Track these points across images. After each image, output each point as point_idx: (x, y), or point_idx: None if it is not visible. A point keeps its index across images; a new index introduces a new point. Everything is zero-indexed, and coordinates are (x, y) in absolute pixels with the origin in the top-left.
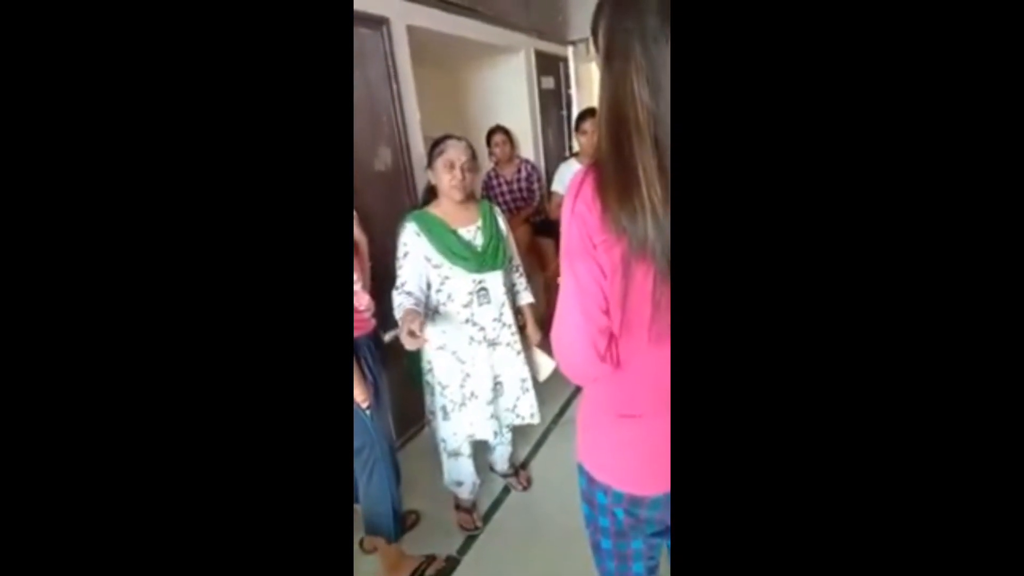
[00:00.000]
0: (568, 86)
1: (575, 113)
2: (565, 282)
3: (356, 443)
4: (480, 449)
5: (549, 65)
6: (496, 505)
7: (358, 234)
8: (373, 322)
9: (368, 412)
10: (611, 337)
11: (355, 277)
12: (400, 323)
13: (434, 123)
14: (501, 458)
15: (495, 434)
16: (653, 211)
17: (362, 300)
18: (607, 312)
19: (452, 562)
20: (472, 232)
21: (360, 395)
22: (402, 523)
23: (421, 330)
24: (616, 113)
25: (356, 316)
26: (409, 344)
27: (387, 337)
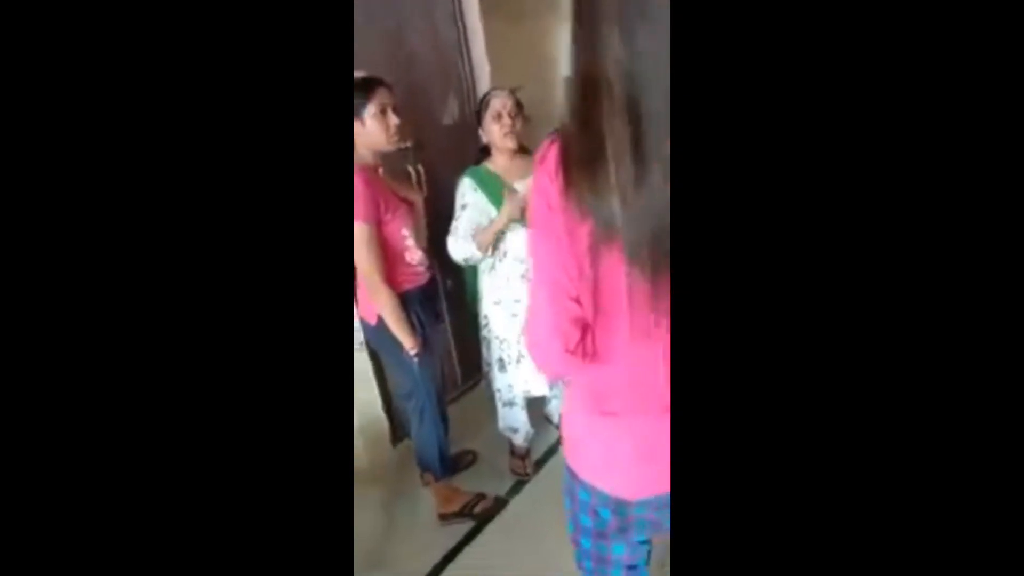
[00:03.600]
0: None
1: None
2: (532, 266)
3: (405, 389)
4: (535, 401)
5: None
6: (549, 454)
7: (412, 193)
8: (427, 275)
9: (416, 361)
10: (584, 329)
11: (407, 233)
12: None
13: (507, 76)
14: (557, 410)
15: (551, 387)
16: (621, 191)
17: (415, 255)
18: (579, 300)
19: (500, 502)
20: (527, 186)
21: (409, 344)
22: (456, 462)
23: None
24: (584, 72)
25: (408, 269)
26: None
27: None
